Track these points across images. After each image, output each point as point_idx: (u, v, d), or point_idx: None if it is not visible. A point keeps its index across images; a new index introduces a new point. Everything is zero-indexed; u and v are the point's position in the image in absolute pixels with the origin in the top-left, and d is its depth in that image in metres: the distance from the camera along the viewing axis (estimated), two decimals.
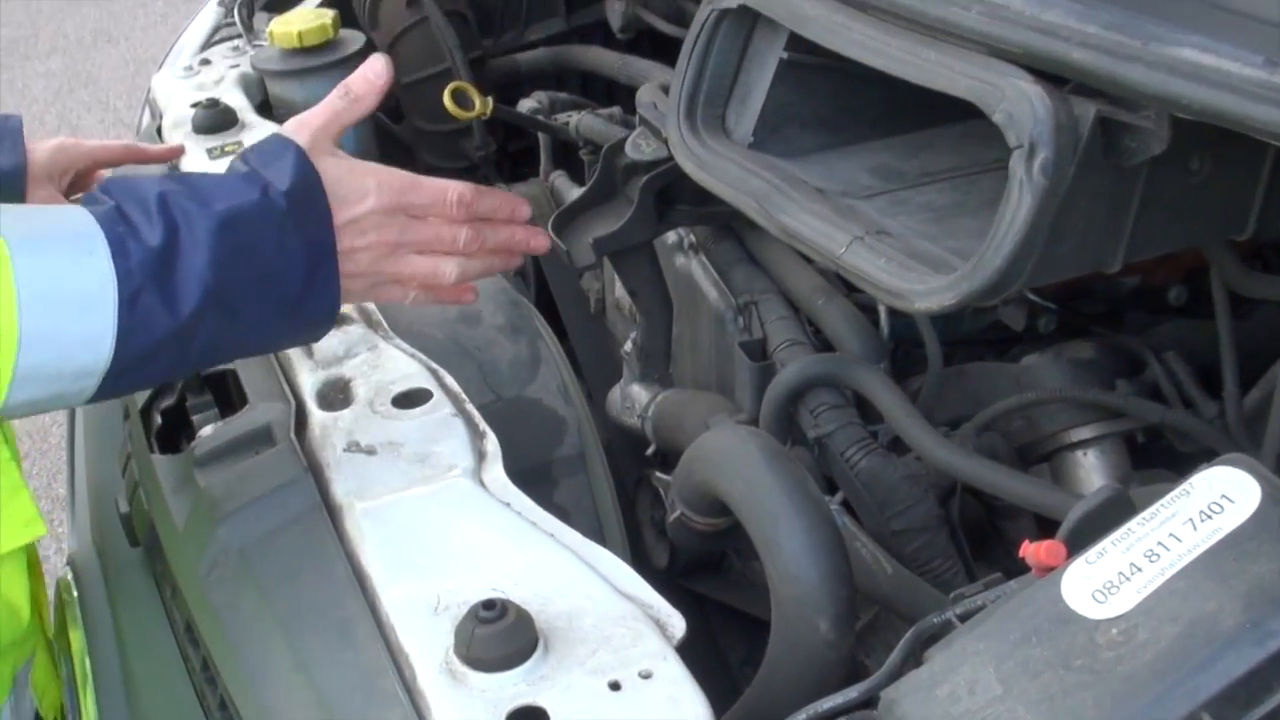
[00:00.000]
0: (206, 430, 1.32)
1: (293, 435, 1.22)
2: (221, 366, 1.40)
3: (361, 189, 1.10)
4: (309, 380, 1.31)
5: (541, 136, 2.04)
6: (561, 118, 1.92)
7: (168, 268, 0.99)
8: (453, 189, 1.15)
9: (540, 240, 1.24)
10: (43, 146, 1.38)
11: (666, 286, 1.56)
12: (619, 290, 1.70)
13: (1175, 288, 1.51)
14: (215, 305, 1.01)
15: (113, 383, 1.01)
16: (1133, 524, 0.85)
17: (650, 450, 1.57)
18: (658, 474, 1.49)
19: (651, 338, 1.58)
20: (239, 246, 1.02)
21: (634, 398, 1.59)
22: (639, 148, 1.43)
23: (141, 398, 1.40)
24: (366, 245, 1.11)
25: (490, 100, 1.70)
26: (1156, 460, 1.36)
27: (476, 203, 1.16)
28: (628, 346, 1.61)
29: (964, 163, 1.28)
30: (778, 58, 1.27)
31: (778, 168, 1.24)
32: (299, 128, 1.10)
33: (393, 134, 2.24)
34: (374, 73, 1.15)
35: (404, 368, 1.30)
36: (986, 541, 1.38)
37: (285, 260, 1.05)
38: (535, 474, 1.38)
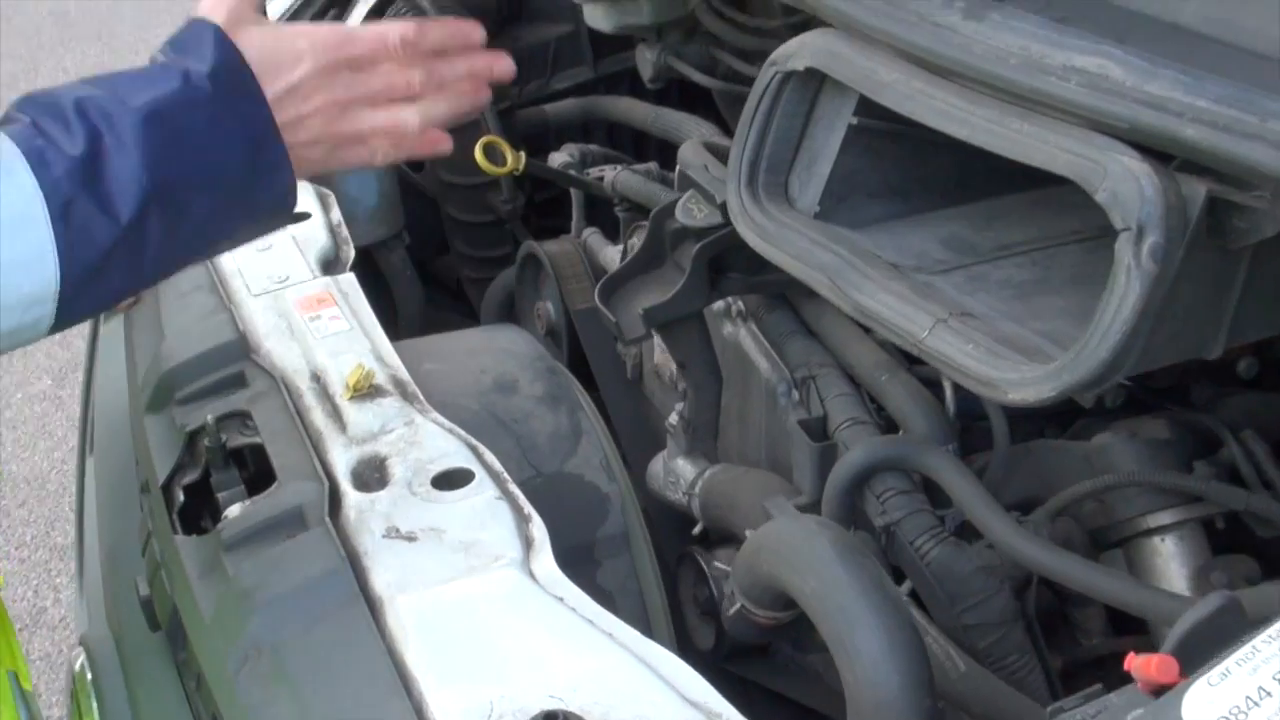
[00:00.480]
0: (233, 510, 1.24)
1: (327, 518, 1.16)
2: (246, 439, 1.33)
3: (294, 52, 1.04)
4: (342, 457, 1.24)
5: (573, 192, 1.97)
6: (594, 172, 1.85)
7: (97, 173, 0.94)
8: (393, 30, 1.08)
9: (504, 64, 1.14)
10: None
11: (716, 357, 1.49)
12: (658, 356, 1.63)
13: (1245, 359, 1.44)
14: (159, 204, 0.96)
15: (69, 307, 0.95)
16: (1257, 641, 0.79)
17: (697, 529, 1.49)
18: (716, 562, 1.40)
19: (700, 411, 1.50)
20: (169, 139, 0.97)
21: (679, 473, 1.51)
22: (690, 213, 1.36)
23: (163, 473, 1.32)
24: (313, 110, 1.05)
25: (522, 155, 1.64)
26: (1232, 545, 1.30)
27: (422, 38, 1.09)
28: (673, 419, 1.53)
29: (1039, 234, 1.22)
30: (846, 123, 1.20)
31: (847, 240, 1.17)
32: (215, 4, 1.04)
33: (415, 184, 2.17)
34: None
35: (442, 445, 1.24)
36: (1056, 631, 1.31)
37: (223, 145, 1.00)
38: (577, 555, 1.31)
